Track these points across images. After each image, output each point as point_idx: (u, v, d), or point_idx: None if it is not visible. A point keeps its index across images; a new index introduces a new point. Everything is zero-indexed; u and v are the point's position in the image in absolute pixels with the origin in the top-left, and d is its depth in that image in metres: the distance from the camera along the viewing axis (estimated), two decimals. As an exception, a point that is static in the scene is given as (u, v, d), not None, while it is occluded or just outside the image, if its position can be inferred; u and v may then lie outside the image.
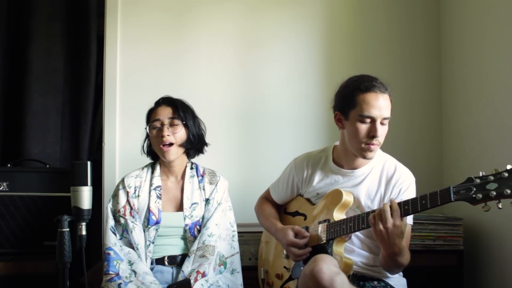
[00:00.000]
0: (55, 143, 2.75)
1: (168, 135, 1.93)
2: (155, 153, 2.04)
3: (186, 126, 1.99)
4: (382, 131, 1.69)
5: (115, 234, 1.91)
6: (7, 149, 2.73)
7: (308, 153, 1.98)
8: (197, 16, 2.76)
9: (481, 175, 1.41)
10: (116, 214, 1.94)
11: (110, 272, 1.82)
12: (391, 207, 1.52)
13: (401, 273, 1.84)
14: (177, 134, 1.96)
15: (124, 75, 2.73)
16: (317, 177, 1.87)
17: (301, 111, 2.74)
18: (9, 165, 2.45)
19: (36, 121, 2.70)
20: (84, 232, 1.63)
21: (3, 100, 2.74)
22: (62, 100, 2.79)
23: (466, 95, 2.49)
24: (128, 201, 1.95)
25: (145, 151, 2.09)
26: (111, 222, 1.93)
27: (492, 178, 1.39)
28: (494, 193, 1.37)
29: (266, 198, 2.11)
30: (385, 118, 1.69)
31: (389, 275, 1.77)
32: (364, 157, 1.73)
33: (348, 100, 1.71)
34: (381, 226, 1.51)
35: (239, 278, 1.97)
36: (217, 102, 2.73)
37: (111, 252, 1.85)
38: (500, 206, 1.38)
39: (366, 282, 1.75)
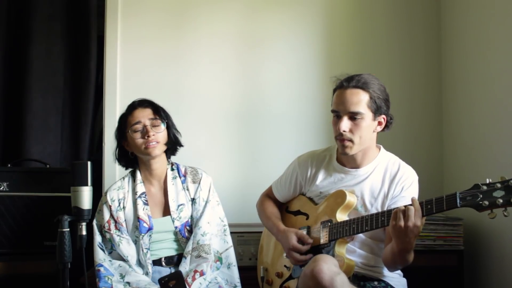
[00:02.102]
0: (55, 143, 2.75)
1: (153, 135, 1.92)
2: (130, 160, 2.02)
3: (167, 125, 1.99)
4: (349, 126, 1.70)
5: (104, 250, 1.91)
6: (7, 149, 2.73)
7: (312, 151, 1.98)
8: (197, 16, 2.76)
9: (488, 182, 1.40)
10: (102, 230, 1.94)
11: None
12: (412, 206, 1.51)
13: (401, 273, 1.84)
14: (161, 134, 1.95)
15: (124, 75, 2.72)
16: (320, 176, 1.87)
17: (301, 111, 2.74)
18: (9, 165, 2.45)
19: (36, 121, 2.70)
20: (84, 232, 1.64)
21: (4, 100, 2.74)
22: (62, 100, 2.79)
23: (467, 95, 2.49)
24: (111, 215, 1.94)
25: (118, 160, 2.04)
26: (98, 238, 1.93)
27: (499, 185, 1.37)
28: (501, 200, 1.36)
29: (268, 195, 2.10)
30: (353, 113, 1.69)
31: (389, 274, 1.77)
32: (342, 153, 1.75)
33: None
34: (401, 223, 1.50)
35: (235, 272, 1.98)
36: (217, 102, 2.73)
37: (101, 269, 1.87)
38: (506, 214, 1.37)
39: (366, 282, 1.74)
